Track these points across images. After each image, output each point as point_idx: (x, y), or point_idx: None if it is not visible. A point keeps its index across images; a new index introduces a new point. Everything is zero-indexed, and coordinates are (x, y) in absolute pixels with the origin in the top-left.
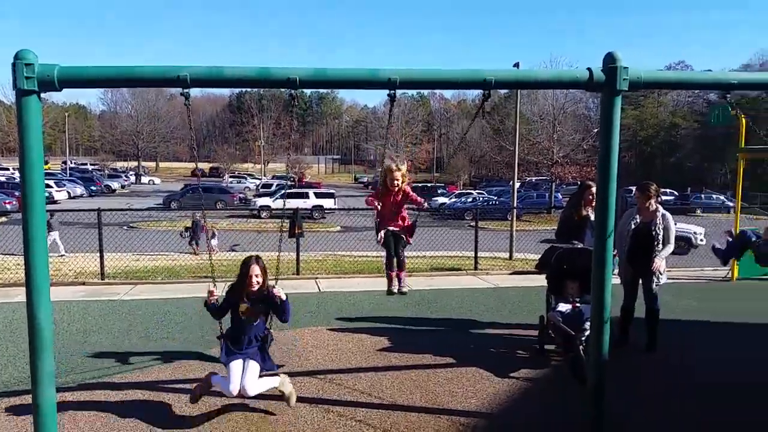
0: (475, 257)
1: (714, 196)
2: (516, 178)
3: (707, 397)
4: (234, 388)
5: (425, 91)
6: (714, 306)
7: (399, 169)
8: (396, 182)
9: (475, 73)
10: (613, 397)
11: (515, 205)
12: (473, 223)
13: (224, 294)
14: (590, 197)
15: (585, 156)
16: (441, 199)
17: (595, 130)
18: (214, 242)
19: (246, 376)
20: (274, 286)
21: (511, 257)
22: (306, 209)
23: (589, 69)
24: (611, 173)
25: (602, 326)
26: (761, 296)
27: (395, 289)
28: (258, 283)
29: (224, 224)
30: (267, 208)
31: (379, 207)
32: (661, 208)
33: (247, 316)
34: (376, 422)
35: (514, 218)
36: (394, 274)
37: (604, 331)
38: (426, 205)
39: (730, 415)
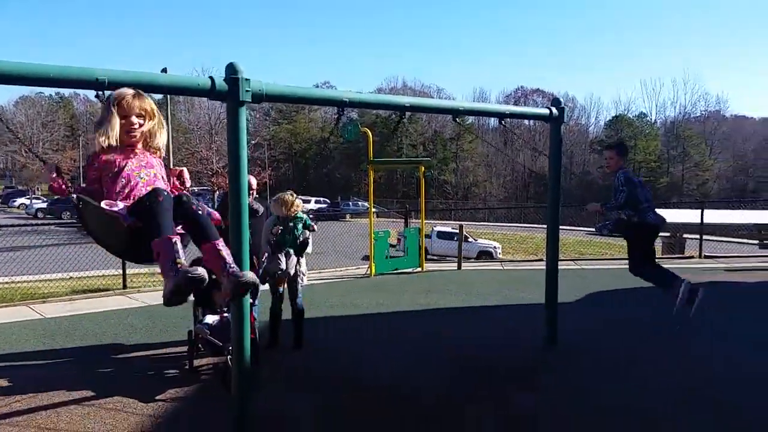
0: (123, 275)
1: (360, 203)
2: None
3: (352, 387)
4: None
5: (66, 91)
6: (354, 299)
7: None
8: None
9: (85, 72)
10: (262, 398)
11: None
12: None
13: None
14: None
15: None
16: None
17: (253, 142)
18: None
19: None
20: None
21: None
22: None
23: (211, 78)
24: (242, 180)
25: (242, 331)
26: (391, 287)
27: None
28: None
29: None
30: None
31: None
32: (302, 214)
33: None
34: None
35: None
36: None
37: (245, 336)
38: None
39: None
